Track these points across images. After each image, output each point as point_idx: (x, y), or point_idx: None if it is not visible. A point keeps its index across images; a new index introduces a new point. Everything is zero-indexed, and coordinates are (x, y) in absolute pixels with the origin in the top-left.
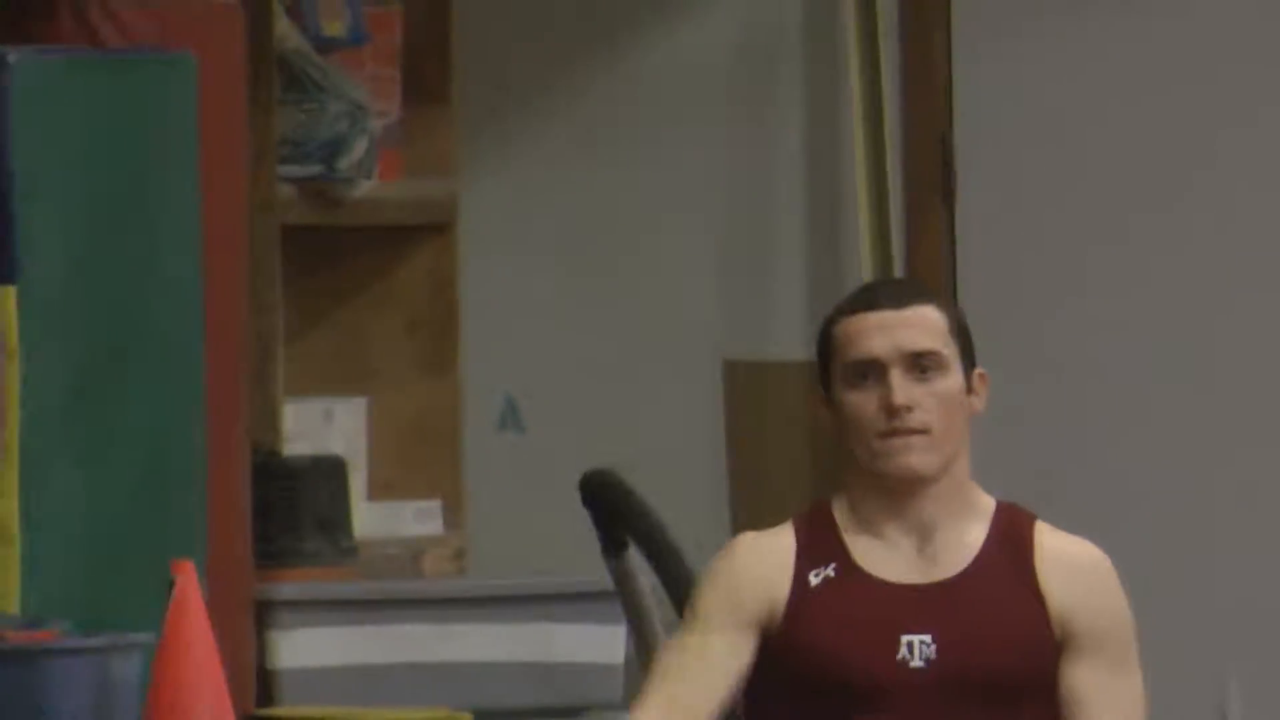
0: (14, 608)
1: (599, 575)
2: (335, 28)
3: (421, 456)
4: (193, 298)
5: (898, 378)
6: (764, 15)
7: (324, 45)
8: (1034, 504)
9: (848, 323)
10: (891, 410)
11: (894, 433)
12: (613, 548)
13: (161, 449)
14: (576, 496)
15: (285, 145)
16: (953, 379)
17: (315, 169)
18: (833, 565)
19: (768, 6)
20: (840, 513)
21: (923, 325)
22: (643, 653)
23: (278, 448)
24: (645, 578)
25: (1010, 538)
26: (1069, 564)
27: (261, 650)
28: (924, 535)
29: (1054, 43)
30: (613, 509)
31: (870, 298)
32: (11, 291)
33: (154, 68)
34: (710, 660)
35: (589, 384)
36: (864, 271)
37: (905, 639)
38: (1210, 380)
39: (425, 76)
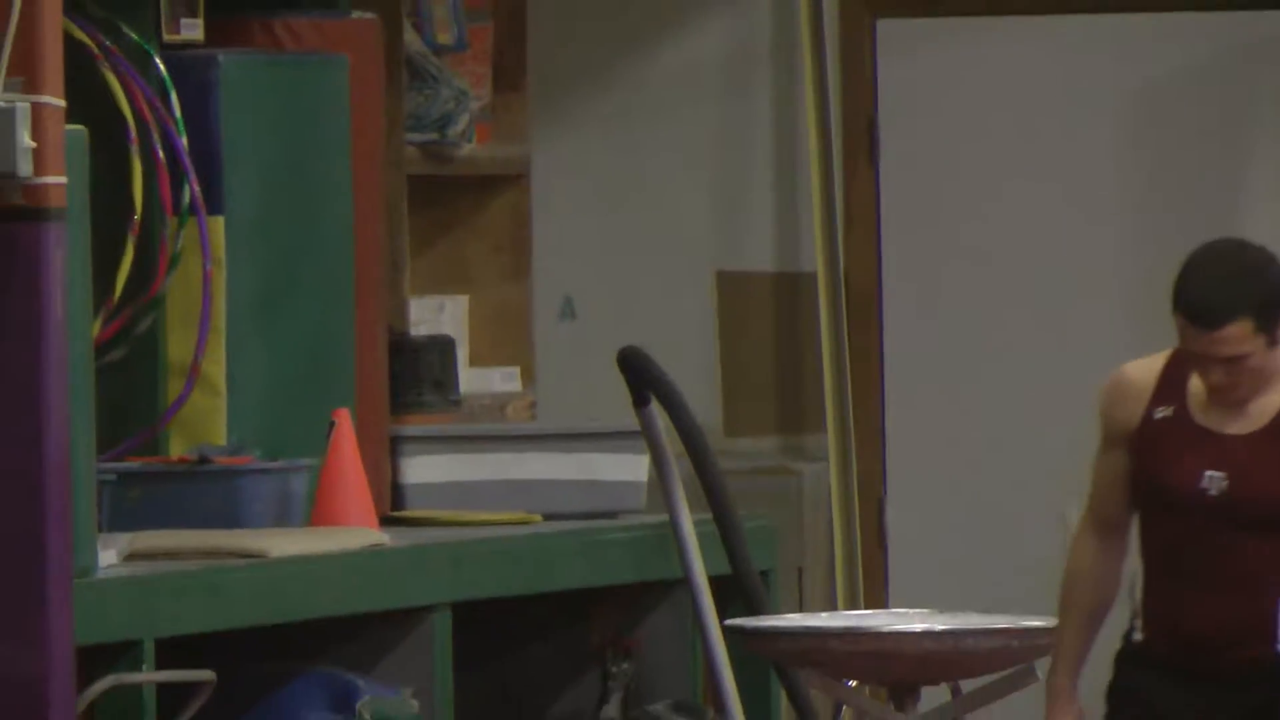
0: (221, 440)
1: (629, 420)
2: (446, 38)
3: (506, 337)
4: (346, 226)
5: (1215, 370)
6: (745, 27)
7: (438, 50)
8: (948, 369)
9: (1181, 320)
10: (1209, 377)
11: (1217, 391)
12: (639, 401)
13: (326, 330)
14: (614, 366)
15: (410, 119)
16: (1257, 354)
17: (431, 136)
18: (1172, 408)
19: (747, 23)
20: None
21: (1231, 340)
22: (659, 472)
23: (405, 330)
24: (661, 422)
25: None
26: None
27: (394, 471)
28: (1240, 398)
29: (951, 52)
30: (640, 374)
31: (1192, 309)
32: (220, 221)
33: (319, 65)
34: (1112, 473)
35: (622, 287)
36: (815, 209)
37: (1207, 474)
38: (1063, 287)
39: (507, 71)
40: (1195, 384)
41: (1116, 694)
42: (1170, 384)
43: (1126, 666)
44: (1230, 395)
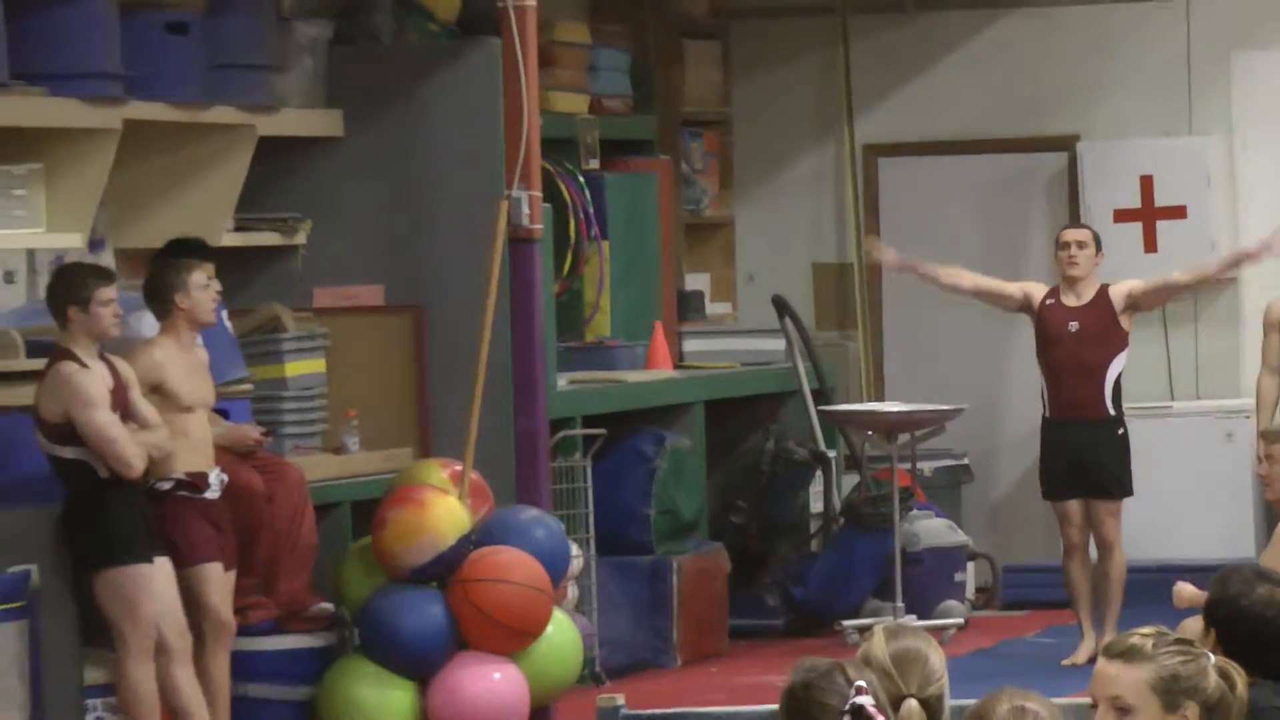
0: (607, 334)
1: (775, 323)
2: (698, 165)
3: (724, 290)
4: (657, 244)
5: (1071, 242)
6: (824, 158)
7: (694, 169)
8: (911, 307)
9: (1061, 230)
10: (1069, 255)
11: (1068, 265)
12: (780, 316)
13: (648, 288)
14: (770, 302)
15: (682, 200)
16: (1090, 250)
17: (692, 207)
18: (1052, 299)
19: (824, 157)
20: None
21: (1083, 237)
22: (788, 346)
23: (683, 287)
24: (793, 328)
25: (1102, 290)
26: (1118, 294)
27: (679, 345)
28: (1078, 291)
29: (915, 172)
30: (781, 305)
31: (1070, 226)
32: (606, 243)
33: (645, 179)
34: (1008, 289)
35: (772, 270)
36: (852, 236)
37: (1070, 323)
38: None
39: (724, 178)
40: (1061, 290)
41: (1042, 441)
42: (1049, 293)
43: (1043, 429)
44: (1075, 264)
